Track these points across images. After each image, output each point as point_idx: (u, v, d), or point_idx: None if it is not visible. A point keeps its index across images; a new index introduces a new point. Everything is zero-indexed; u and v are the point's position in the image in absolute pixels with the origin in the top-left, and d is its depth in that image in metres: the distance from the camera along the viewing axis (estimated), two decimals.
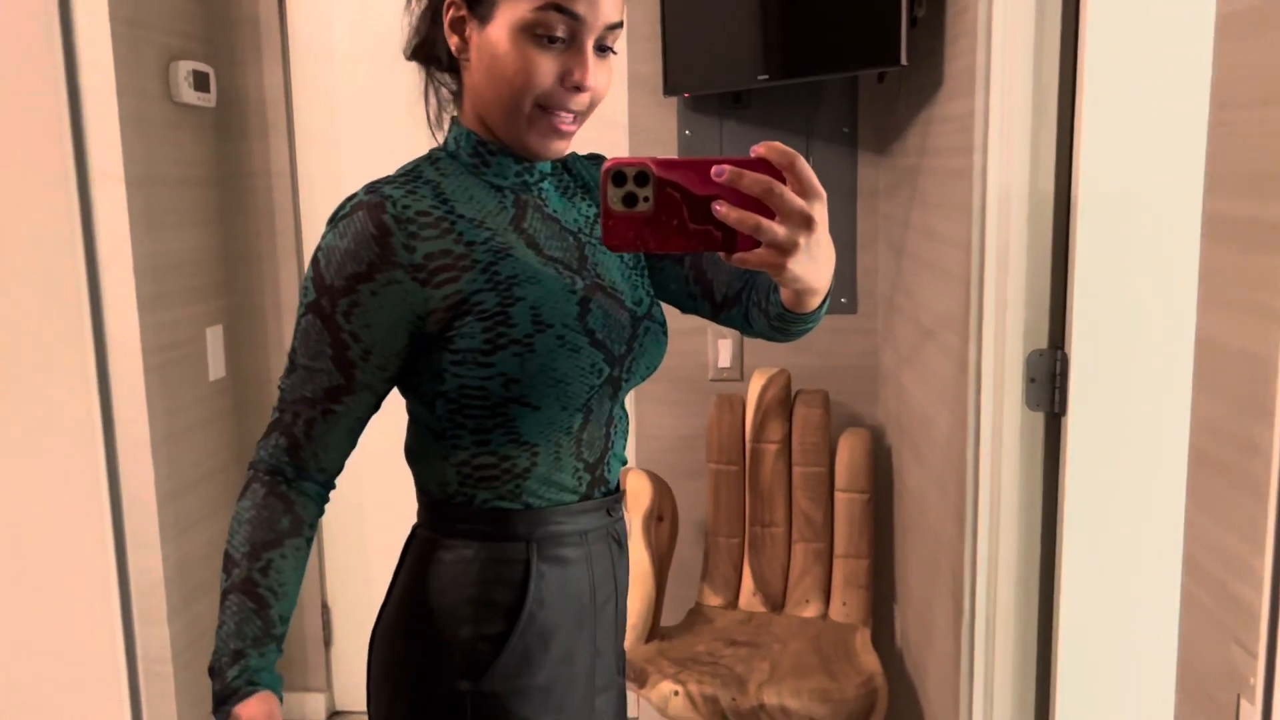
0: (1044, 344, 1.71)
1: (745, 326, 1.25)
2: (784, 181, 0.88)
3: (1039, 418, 1.74)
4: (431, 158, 1.16)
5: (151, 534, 2.40)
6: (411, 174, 1.12)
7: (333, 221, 1.08)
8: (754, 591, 2.49)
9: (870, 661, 2.21)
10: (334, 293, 1.06)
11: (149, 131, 2.38)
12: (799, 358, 2.66)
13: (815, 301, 1.04)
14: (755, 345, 2.67)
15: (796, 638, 2.31)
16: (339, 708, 2.97)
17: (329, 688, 2.95)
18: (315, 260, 1.08)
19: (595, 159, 1.32)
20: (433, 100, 1.21)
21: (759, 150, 0.88)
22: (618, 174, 0.89)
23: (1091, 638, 1.72)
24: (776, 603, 2.48)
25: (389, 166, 2.31)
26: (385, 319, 1.07)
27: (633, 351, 1.19)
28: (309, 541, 1.13)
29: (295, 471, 1.12)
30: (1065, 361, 1.67)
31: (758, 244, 0.90)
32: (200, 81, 2.55)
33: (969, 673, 1.82)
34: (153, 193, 2.39)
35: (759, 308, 1.19)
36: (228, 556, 1.09)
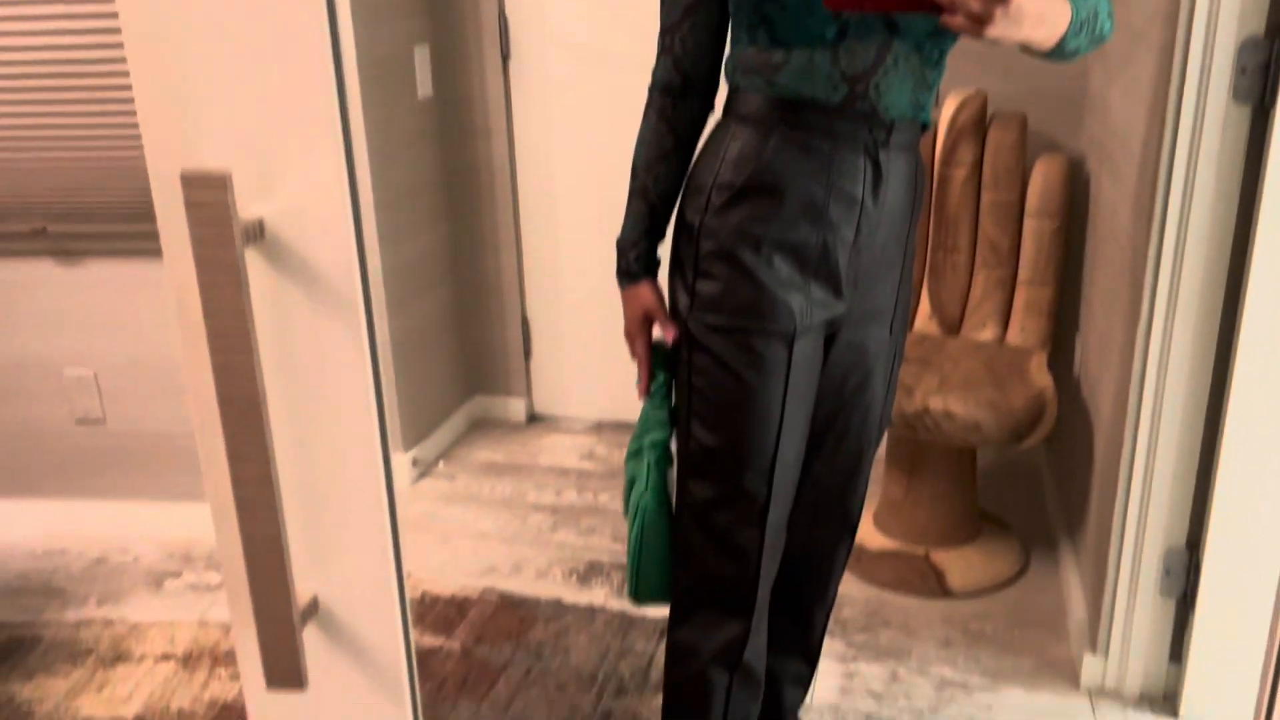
0: (1260, 30, 1.59)
1: None
2: None
3: (1245, 111, 1.63)
4: None
5: (370, 237, 2.65)
6: None
7: None
8: (930, 315, 2.51)
9: (1043, 380, 2.22)
10: None
11: None
12: (999, 81, 2.55)
13: (1044, 46, 1.17)
14: (954, 66, 2.57)
15: (970, 357, 2.34)
16: (537, 411, 3.26)
17: (528, 394, 3.23)
18: None
19: None
20: None
21: None
22: None
23: (1274, 342, 1.67)
24: (953, 326, 2.50)
25: None
26: None
27: None
28: (690, 153, 1.44)
29: (681, 85, 1.40)
30: None
31: None
32: None
33: (1139, 386, 1.81)
34: None
35: None
36: (634, 166, 1.44)
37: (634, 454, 1.51)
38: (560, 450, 3.04)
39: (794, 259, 1.33)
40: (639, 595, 1.50)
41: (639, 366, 1.47)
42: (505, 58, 2.93)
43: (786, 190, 1.32)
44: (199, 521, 2.59)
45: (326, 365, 0.68)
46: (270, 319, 0.67)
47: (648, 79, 1.46)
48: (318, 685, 0.74)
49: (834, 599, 1.69)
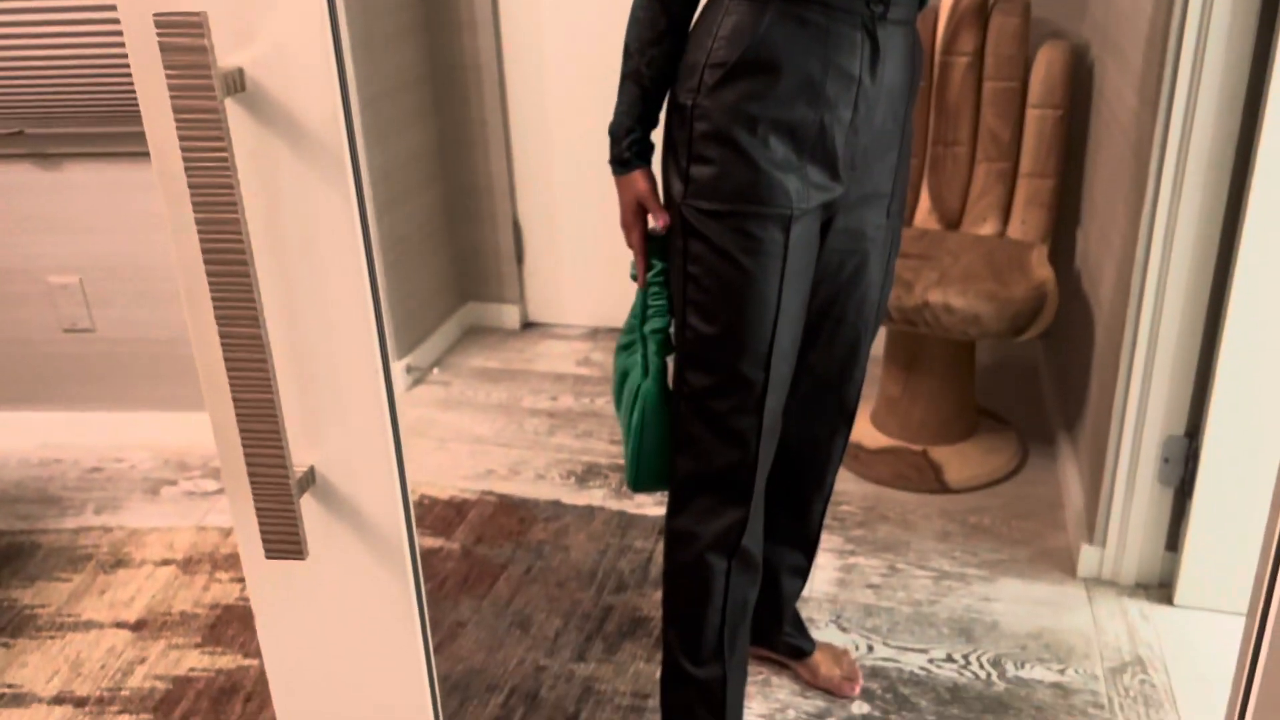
0: None
1: None
2: None
3: None
4: None
5: (357, 134, 2.59)
6: None
7: None
8: (930, 210, 2.47)
9: (1043, 272, 2.20)
10: None
11: None
12: None
13: None
14: None
15: (970, 251, 2.31)
16: (531, 318, 3.23)
17: (521, 300, 3.19)
18: None
19: None
20: None
21: None
22: None
23: (1277, 230, 1.65)
24: (952, 221, 2.46)
25: None
26: None
27: None
28: (684, 34, 1.36)
29: None
30: None
31: None
32: None
33: (1141, 275, 1.79)
34: None
35: None
36: (626, 47, 1.37)
37: (625, 347, 1.50)
38: (555, 356, 3.02)
39: (790, 139, 1.29)
40: (638, 484, 1.50)
41: (635, 256, 1.44)
42: None
43: (782, 67, 1.27)
44: (194, 430, 2.58)
45: (314, 223, 0.65)
46: (254, 175, 0.64)
47: None
48: (317, 555, 0.73)
49: (831, 489, 1.69)
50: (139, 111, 0.67)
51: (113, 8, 2.18)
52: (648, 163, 1.42)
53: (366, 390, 0.71)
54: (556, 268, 3.15)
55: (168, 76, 0.57)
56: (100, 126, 2.31)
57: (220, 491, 2.44)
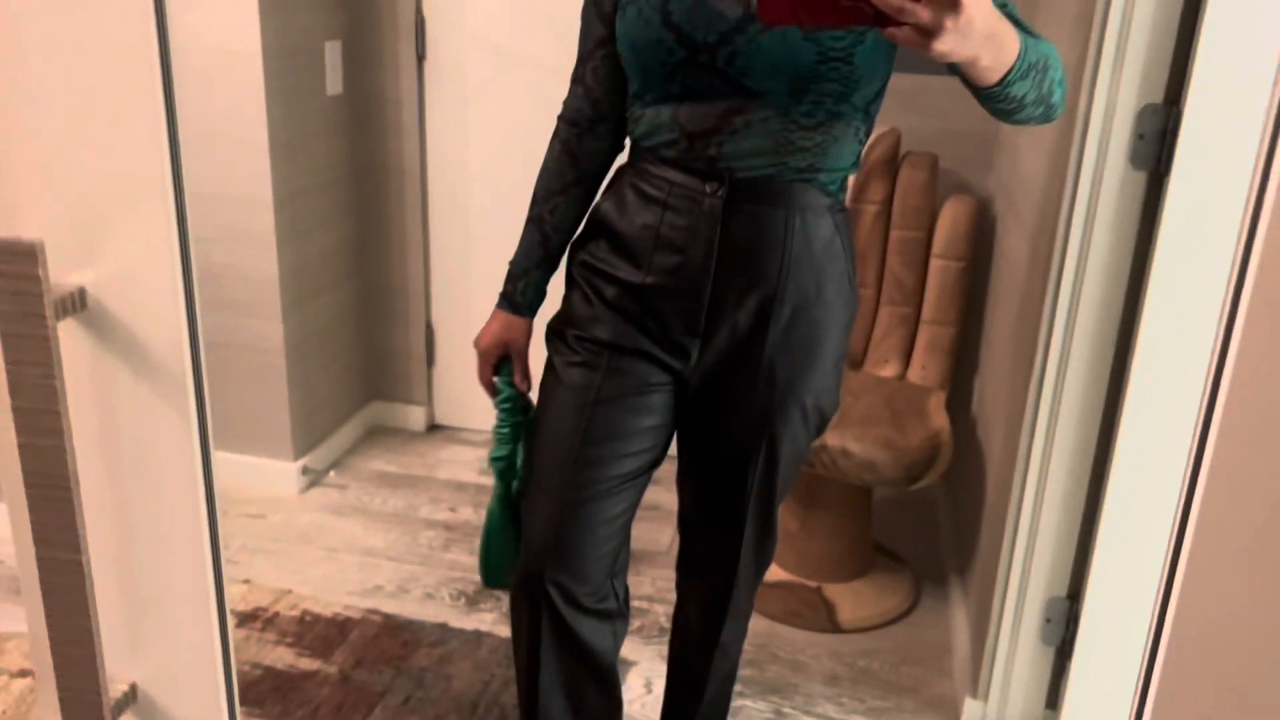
0: (1159, 98, 1.61)
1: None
2: None
3: (1141, 176, 1.66)
4: None
5: (268, 233, 2.56)
6: None
7: None
8: None
9: (940, 420, 2.24)
10: None
11: None
12: (912, 119, 2.57)
13: (988, 76, 1.09)
14: None
15: (870, 393, 2.35)
16: (438, 421, 3.19)
17: (429, 401, 3.15)
18: None
19: None
20: None
21: None
22: None
23: (1157, 416, 1.70)
24: (856, 360, 2.51)
25: None
26: None
27: (731, 44, 1.26)
28: (594, 187, 1.47)
29: (591, 117, 1.44)
30: (1178, 119, 1.57)
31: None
32: None
33: (1029, 437, 1.83)
34: None
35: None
36: (534, 193, 1.47)
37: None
38: (458, 463, 2.97)
39: (617, 292, 1.39)
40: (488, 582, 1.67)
41: (484, 386, 1.56)
42: (420, 57, 2.86)
43: (618, 229, 1.37)
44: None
45: (152, 444, 0.63)
46: (89, 393, 0.62)
47: (566, 86, 1.44)
48: None
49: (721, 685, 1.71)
50: None
51: None
52: (533, 314, 1.45)
53: (196, 606, 0.68)
54: (467, 370, 3.12)
55: None
56: None
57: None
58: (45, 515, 0.59)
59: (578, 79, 1.45)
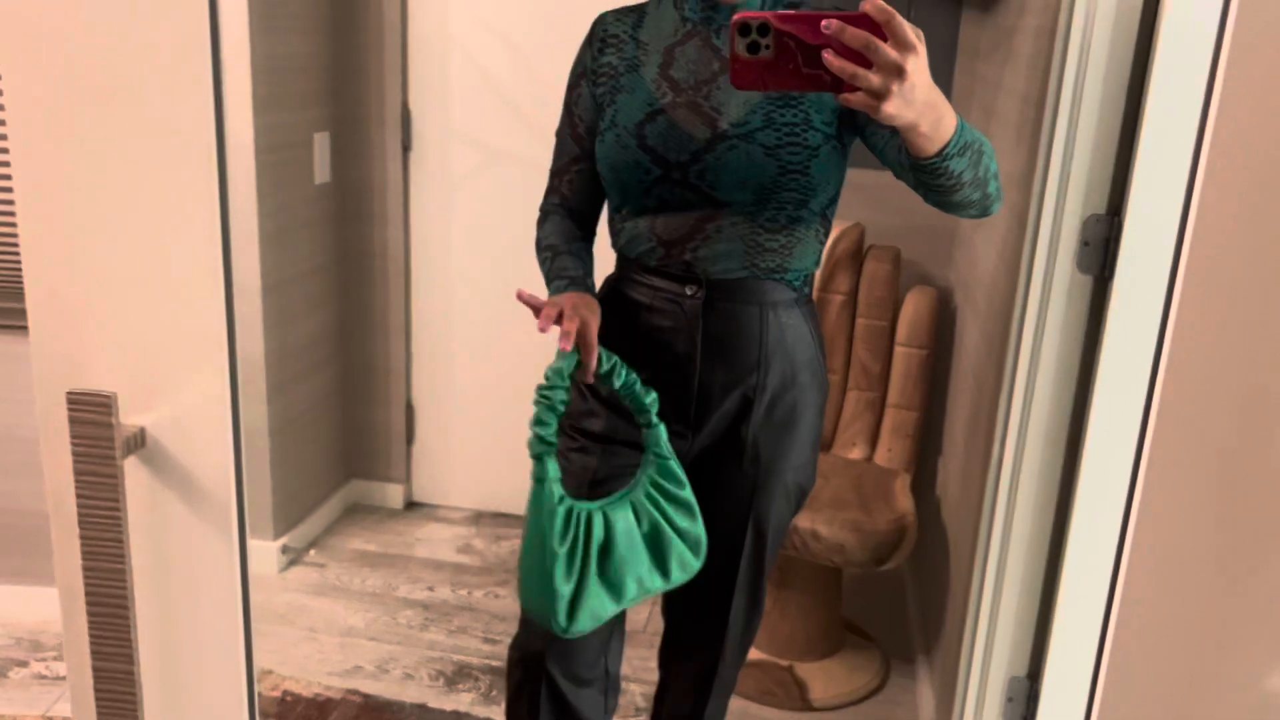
0: (1103, 209, 1.74)
1: (915, 188, 1.35)
2: (883, 36, 1.00)
3: (1088, 280, 1.78)
4: None
5: (254, 320, 2.63)
6: (637, 5, 1.52)
7: None
8: None
9: (905, 503, 2.33)
10: (569, 89, 1.54)
11: None
12: (876, 214, 2.70)
13: (928, 146, 1.17)
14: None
15: (839, 475, 2.44)
16: (415, 499, 3.24)
17: (408, 480, 3.21)
18: None
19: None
20: None
21: (864, 6, 1.00)
22: (743, 25, 1.03)
23: (1104, 505, 1.81)
24: (824, 442, 2.60)
25: None
26: (588, 107, 1.51)
27: (701, 162, 1.40)
28: (587, 246, 1.56)
29: (568, 215, 1.55)
30: (1119, 228, 1.70)
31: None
32: None
33: (989, 522, 1.93)
34: None
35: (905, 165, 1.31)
36: (547, 245, 1.53)
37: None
38: (436, 541, 3.02)
39: (610, 390, 1.46)
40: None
41: (546, 313, 1.33)
42: (406, 148, 2.97)
43: (608, 332, 1.47)
44: (53, 606, 2.49)
45: (200, 568, 0.71)
46: (145, 523, 0.69)
47: (544, 179, 1.58)
48: None
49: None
50: (21, 288, 0.72)
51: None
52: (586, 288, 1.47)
53: (232, 711, 0.75)
54: (445, 449, 3.19)
55: (73, 444, 0.63)
56: None
57: None
58: (104, 632, 0.66)
59: (553, 189, 1.58)
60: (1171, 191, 1.65)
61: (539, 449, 1.30)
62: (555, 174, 1.58)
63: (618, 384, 1.37)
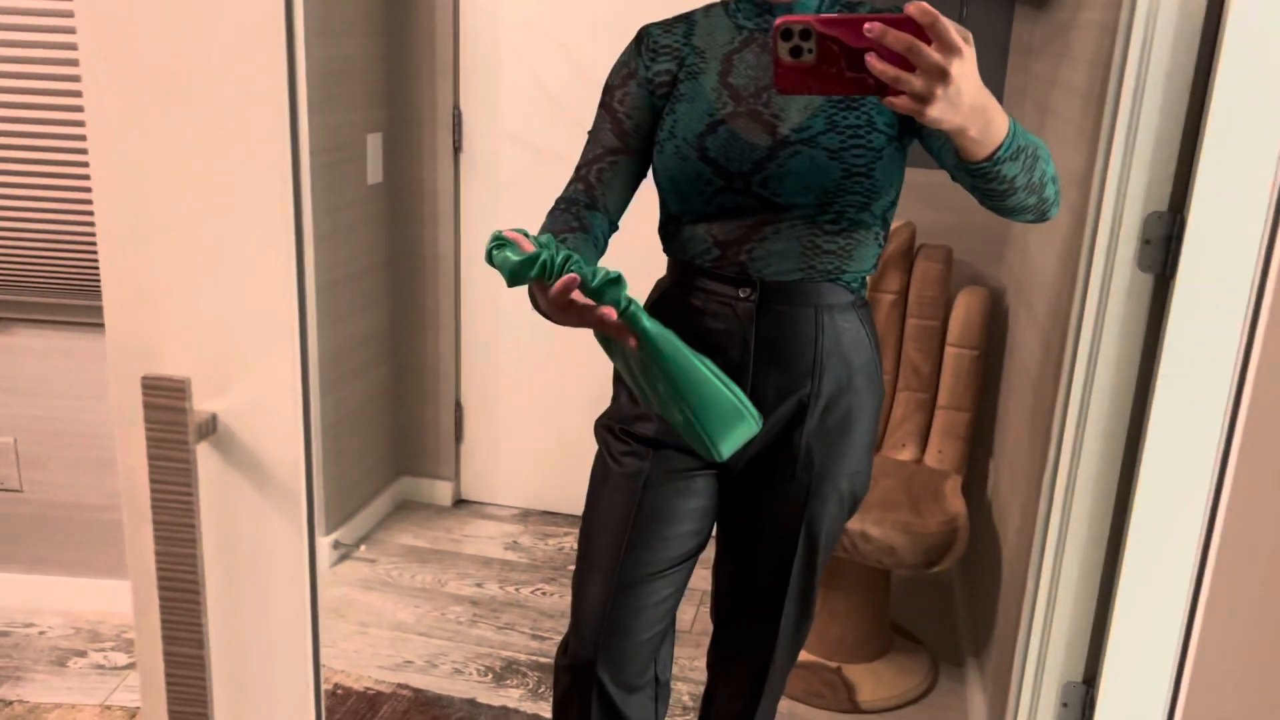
0: (1164, 206, 1.71)
1: (971, 192, 1.32)
2: (926, 39, 0.98)
3: (1148, 279, 1.75)
4: (708, 6, 1.49)
5: (309, 318, 2.66)
6: (682, 16, 1.50)
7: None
8: None
9: (956, 505, 2.30)
10: (608, 91, 1.50)
11: None
12: (927, 212, 2.68)
13: (977, 150, 1.14)
14: None
15: (889, 476, 2.42)
16: (464, 496, 3.26)
17: (456, 478, 3.23)
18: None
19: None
20: None
21: (908, 9, 0.98)
22: (786, 30, 1.02)
23: (1167, 508, 1.77)
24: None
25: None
26: (638, 105, 1.47)
27: (764, 170, 1.38)
28: (594, 243, 1.40)
29: (586, 203, 1.46)
30: (1182, 225, 1.67)
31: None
32: None
33: (1044, 524, 1.90)
34: None
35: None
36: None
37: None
38: (484, 538, 3.04)
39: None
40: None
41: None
42: (457, 149, 2.99)
43: None
44: (111, 598, 2.54)
45: (268, 554, 0.72)
46: (215, 508, 0.70)
47: None
48: None
49: None
50: (96, 286, 0.73)
51: (73, 186, 2.27)
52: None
53: (299, 699, 0.76)
54: (494, 448, 3.21)
55: (147, 429, 0.64)
56: (56, 298, 2.36)
57: (130, 666, 2.39)
58: (175, 616, 0.68)
59: (579, 178, 1.47)
60: (1248, 186, 1.61)
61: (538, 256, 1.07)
62: (585, 163, 1.49)
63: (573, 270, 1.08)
